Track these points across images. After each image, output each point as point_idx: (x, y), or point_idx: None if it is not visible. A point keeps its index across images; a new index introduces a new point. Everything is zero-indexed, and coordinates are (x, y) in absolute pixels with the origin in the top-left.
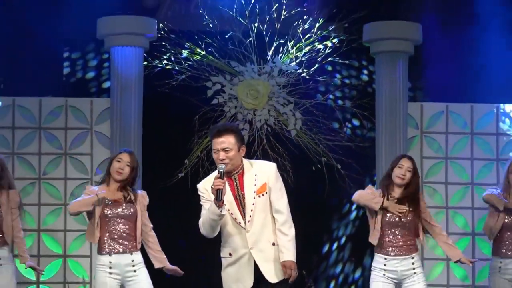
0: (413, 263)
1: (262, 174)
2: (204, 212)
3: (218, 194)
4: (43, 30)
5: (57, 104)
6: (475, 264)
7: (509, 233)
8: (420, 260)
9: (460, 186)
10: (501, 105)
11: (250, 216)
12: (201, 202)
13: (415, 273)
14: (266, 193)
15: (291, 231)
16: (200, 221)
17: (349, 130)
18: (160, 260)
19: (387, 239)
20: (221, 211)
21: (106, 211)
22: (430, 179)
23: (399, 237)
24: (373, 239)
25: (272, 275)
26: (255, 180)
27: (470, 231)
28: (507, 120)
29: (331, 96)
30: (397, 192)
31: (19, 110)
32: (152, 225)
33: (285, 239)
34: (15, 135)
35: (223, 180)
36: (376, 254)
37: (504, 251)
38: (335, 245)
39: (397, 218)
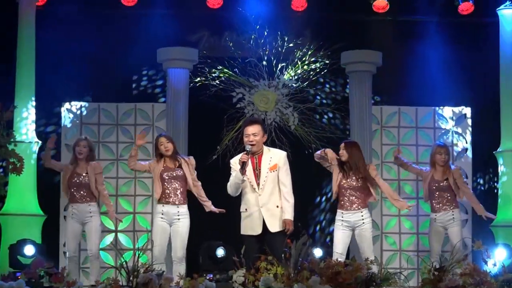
0: (362, 216)
1: (275, 157)
2: (231, 178)
3: (243, 165)
4: (118, 57)
5: (129, 108)
6: (419, 217)
7: (437, 193)
8: (369, 213)
9: None
10: (437, 108)
11: (263, 185)
12: (231, 171)
13: (363, 222)
14: (276, 170)
15: (291, 199)
16: (228, 184)
17: (327, 122)
18: (206, 205)
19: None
20: (243, 178)
21: (164, 175)
22: (387, 160)
23: (353, 198)
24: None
25: (273, 227)
26: (270, 160)
27: (415, 196)
28: (442, 118)
29: (318, 98)
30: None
31: (102, 112)
32: (199, 182)
33: (287, 204)
34: (100, 129)
35: (248, 156)
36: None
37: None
38: (324, 198)
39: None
